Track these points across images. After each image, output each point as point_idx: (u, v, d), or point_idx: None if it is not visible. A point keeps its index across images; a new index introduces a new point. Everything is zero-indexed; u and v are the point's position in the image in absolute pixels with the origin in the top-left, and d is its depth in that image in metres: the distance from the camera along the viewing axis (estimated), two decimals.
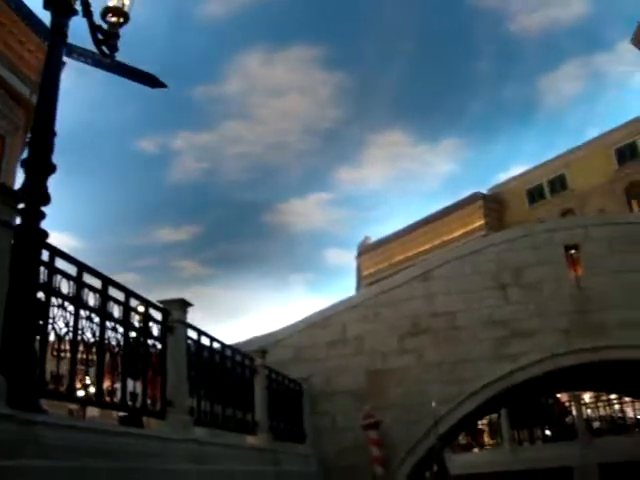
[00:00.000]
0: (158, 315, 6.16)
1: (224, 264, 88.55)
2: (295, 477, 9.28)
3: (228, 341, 8.95)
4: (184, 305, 6.59)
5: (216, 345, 7.72)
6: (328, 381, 11.70)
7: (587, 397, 21.49)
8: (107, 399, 5.06)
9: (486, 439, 23.94)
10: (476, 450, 23.68)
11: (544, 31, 78.56)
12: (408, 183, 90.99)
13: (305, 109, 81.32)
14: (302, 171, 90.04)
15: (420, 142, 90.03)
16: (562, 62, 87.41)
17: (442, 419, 11.18)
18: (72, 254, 4.79)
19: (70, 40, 5.17)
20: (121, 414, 6.51)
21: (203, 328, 7.12)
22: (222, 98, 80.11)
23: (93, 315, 4.95)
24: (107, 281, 5.19)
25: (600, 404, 21.37)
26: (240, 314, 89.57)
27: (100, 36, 5.35)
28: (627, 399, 19.96)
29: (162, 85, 5.90)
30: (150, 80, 5.85)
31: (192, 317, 6.70)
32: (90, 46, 5.38)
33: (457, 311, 12.00)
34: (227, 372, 7.86)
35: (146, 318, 5.95)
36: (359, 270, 40.65)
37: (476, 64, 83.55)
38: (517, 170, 75.92)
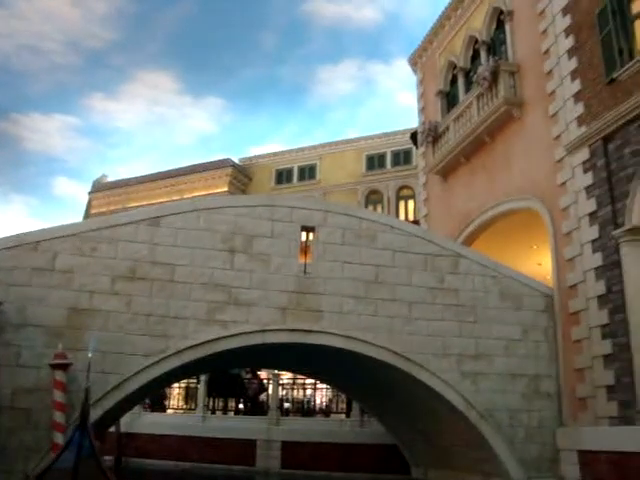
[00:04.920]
0: None
1: None
2: None
3: None
4: None
5: None
6: (22, 311, 10.21)
7: (285, 378, 22.09)
8: None
9: (180, 402, 23.58)
10: (169, 412, 23.19)
11: (335, 23, 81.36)
12: (162, 131, 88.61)
13: (74, 20, 74.79)
14: (53, 86, 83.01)
15: (185, 93, 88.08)
16: (342, 60, 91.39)
17: (140, 373, 10.51)
18: None
19: None
20: None
21: None
22: None
23: None
24: None
25: (295, 386, 22.11)
26: None
27: None
28: (320, 386, 20.86)
29: None
30: None
31: None
32: None
33: (179, 265, 11.27)
34: None
35: None
36: (89, 207, 38.21)
37: (262, 32, 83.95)
38: (273, 148, 77.70)
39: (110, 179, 39.66)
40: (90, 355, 9.42)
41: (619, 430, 10.89)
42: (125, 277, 11.00)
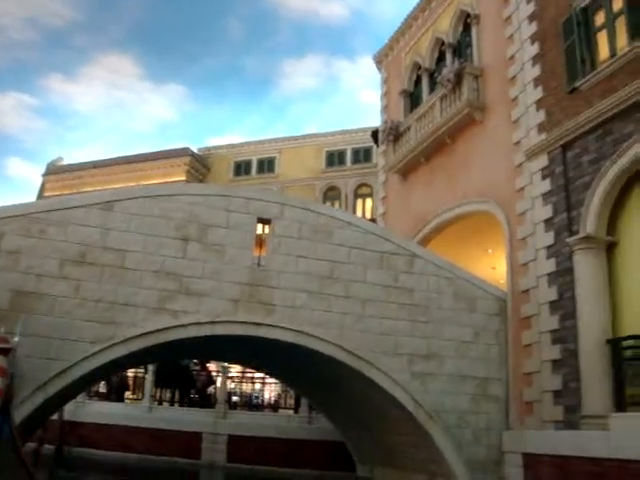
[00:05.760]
0: None
1: None
2: None
3: None
4: None
5: None
6: None
7: (235, 371, 21.89)
8: None
9: (128, 392, 23.15)
10: (115, 402, 22.72)
11: (301, 17, 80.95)
12: (121, 116, 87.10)
13: None
14: (9, 63, 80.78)
15: (146, 78, 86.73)
16: (307, 54, 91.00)
17: (86, 359, 10.20)
18: None
19: None
20: None
21: None
22: None
23: None
24: None
25: (244, 380, 21.93)
26: None
27: None
28: (269, 380, 20.73)
29: None
30: None
31: None
32: None
33: (131, 251, 10.97)
34: None
35: None
36: (42, 190, 37.30)
37: (227, 21, 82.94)
38: (233, 139, 77.09)
39: (66, 162, 38.82)
40: (16, 339, 9.17)
41: (563, 434, 11.02)
42: (74, 261, 10.67)
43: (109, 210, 11.14)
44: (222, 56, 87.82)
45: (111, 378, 22.14)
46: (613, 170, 11.01)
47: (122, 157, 35.77)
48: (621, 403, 10.34)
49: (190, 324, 11.03)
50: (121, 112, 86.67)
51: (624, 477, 9.38)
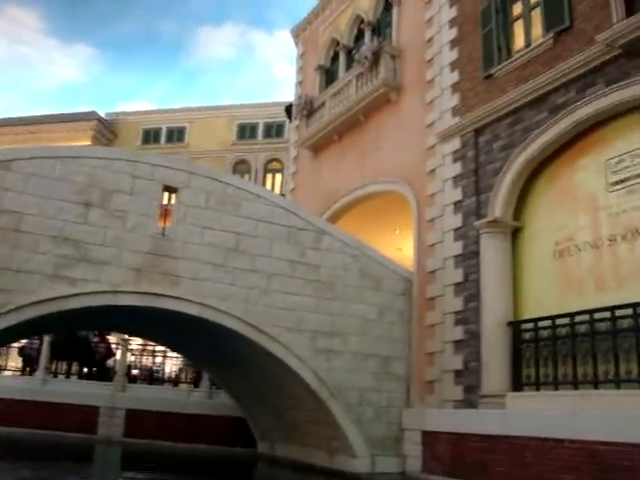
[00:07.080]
0: None
1: None
2: None
3: None
4: None
5: None
6: None
7: (135, 344, 21.23)
8: None
9: (19, 364, 21.98)
10: (6, 373, 21.58)
11: None
12: (22, 73, 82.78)
13: None
14: None
15: (52, 35, 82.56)
16: (224, 22, 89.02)
17: None
18: None
19: None
20: None
21: None
22: None
23: None
24: None
25: (145, 353, 21.36)
26: None
27: None
28: (171, 354, 20.25)
29: None
30: None
31: None
32: None
33: (27, 214, 10.25)
34: None
35: None
36: None
37: None
38: (143, 106, 74.79)
39: None
40: None
41: (461, 413, 11.28)
42: None
43: (5, 170, 10.38)
44: (135, 18, 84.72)
45: (28, 351, 21.10)
46: (522, 157, 11.24)
47: (22, 117, 34.04)
48: (518, 383, 10.63)
49: (89, 293, 10.47)
50: (23, 69, 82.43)
51: (512, 452, 9.78)
